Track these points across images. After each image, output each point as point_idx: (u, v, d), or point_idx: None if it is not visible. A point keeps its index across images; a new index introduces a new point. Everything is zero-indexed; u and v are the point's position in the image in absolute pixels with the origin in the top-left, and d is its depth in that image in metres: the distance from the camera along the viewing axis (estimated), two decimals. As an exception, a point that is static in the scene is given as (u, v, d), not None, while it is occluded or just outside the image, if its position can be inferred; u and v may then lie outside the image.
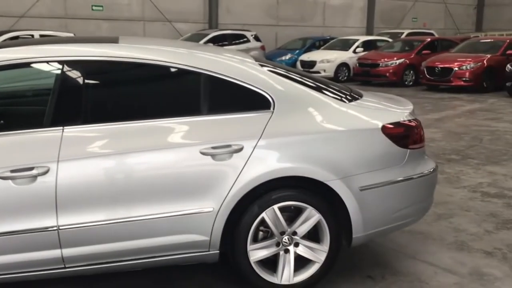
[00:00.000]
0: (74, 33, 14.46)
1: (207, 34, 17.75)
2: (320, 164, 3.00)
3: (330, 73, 16.85)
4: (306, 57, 17.81)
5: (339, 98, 3.26)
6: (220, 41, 17.75)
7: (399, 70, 15.68)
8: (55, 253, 2.74)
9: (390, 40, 18.76)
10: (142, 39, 3.81)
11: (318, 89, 3.25)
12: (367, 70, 16.10)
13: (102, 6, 18.07)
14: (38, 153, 2.68)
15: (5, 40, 12.67)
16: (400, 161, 3.20)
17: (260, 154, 2.93)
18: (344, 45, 18.21)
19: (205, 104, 2.99)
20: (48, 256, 2.74)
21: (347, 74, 17.24)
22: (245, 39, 18.50)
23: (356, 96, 3.44)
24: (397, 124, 3.20)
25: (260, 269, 3.07)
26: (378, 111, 3.30)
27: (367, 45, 18.06)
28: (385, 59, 15.89)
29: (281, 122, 3.00)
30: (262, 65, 3.22)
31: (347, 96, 3.35)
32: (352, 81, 16.41)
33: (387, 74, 15.70)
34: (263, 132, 2.94)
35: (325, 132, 3.07)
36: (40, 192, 2.67)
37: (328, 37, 20.11)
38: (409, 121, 3.26)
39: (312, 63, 17.28)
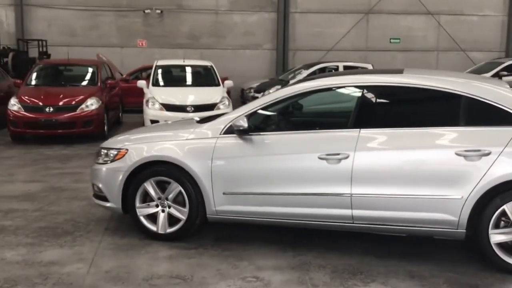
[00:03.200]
0: (372, 64, 16.28)
1: (502, 63, 17.37)
2: (559, 172, 3.66)
3: None
4: None
5: None
6: (516, 69, 17.18)
7: None
8: (347, 212, 4.12)
9: None
10: (422, 70, 4.97)
11: None
12: None
13: (399, 39, 19.63)
14: (343, 144, 4.12)
15: (315, 70, 15.31)
16: None
17: (505, 158, 3.77)
18: None
19: (463, 118, 4.00)
20: (342, 213, 4.14)
21: None
22: (547, 67, 17.38)
23: None
24: None
25: (499, 251, 3.86)
26: None
27: None
28: None
29: (526, 135, 3.78)
30: (515, 90, 4.03)
31: None
32: None
33: None
34: (509, 142, 3.78)
35: None
36: (342, 170, 4.09)
37: None
38: None
39: None
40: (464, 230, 3.92)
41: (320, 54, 19.05)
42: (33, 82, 11.07)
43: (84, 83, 11.40)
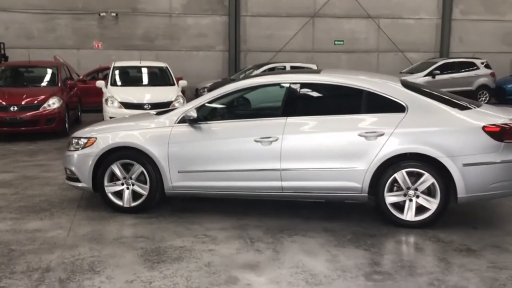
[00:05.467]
0: (317, 64, 17.54)
1: (435, 62, 19.04)
2: (434, 147, 4.84)
3: None
4: (539, 83, 17.62)
5: (456, 106, 5.03)
6: (448, 69, 18.86)
7: None
8: (278, 183, 5.17)
9: None
10: (338, 71, 6.08)
11: (441, 100, 5.08)
12: None
13: (343, 41, 21.05)
14: (273, 129, 5.17)
15: (265, 70, 16.45)
16: (495, 150, 4.79)
17: (395, 138, 4.91)
18: None
19: (365, 107, 5.13)
20: (274, 185, 5.18)
21: None
22: (474, 67, 19.15)
23: (474, 106, 5.13)
24: (493, 125, 4.81)
25: (393, 209, 5.01)
26: (482, 116, 4.95)
27: None
28: None
29: (410, 120, 4.94)
30: (404, 85, 5.20)
31: (463, 106, 5.07)
32: None
33: None
34: (397, 125, 4.93)
35: (440, 127, 4.89)
36: (273, 150, 5.13)
37: None
38: (504, 124, 4.81)
39: (544, 90, 17.07)
40: (367, 194, 5.05)
41: (270, 55, 20.20)
42: (-4, 83, 11.67)
43: (46, 83, 12.09)
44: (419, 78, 18.35)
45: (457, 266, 4.09)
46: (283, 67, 16.67)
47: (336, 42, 21.02)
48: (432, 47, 21.67)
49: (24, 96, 10.91)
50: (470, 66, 19.26)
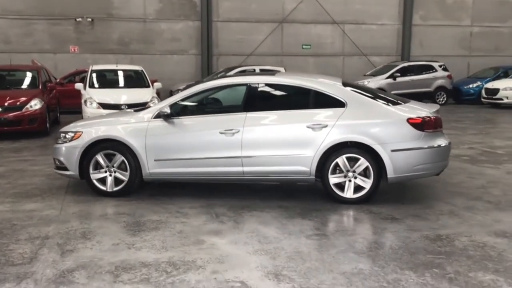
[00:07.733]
0: (285, 67, 18.56)
1: (396, 65, 20.29)
2: (368, 136, 5.84)
3: (512, 100, 17.78)
4: (491, 85, 19.00)
5: (386, 102, 6.05)
6: (408, 71, 20.15)
7: None
8: (240, 169, 6.10)
9: None
10: (289, 73, 7.04)
11: (375, 97, 6.10)
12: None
13: (310, 45, 22.15)
14: (235, 123, 6.09)
15: (236, 72, 17.37)
16: (418, 138, 5.82)
17: (336, 129, 5.89)
18: (535, 73, 18.77)
19: (312, 103, 6.11)
20: (237, 170, 6.11)
21: (532, 101, 17.89)
22: (433, 69, 20.47)
23: (401, 102, 6.16)
24: (416, 118, 5.84)
25: (336, 189, 5.99)
26: (408, 110, 5.98)
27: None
28: None
29: (349, 114, 5.93)
30: (344, 84, 6.21)
31: (394, 102, 6.10)
32: (535, 107, 17.08)
33: None
34: (338, 118, 5.91)
35: (373, 119, 5.90)
36: (235, 140, 6.06)
37: (523, 66, 20.68)
38: (426, 117, 5.85)
39: (495, 91, 18.46)
40: (314, 177, 6.01)
41: (241, 58, 21.15)
42: (-21, 86, 12.32)
43: (27, 86, 12.79)
44: (381, 80, 19.60)
45: (380, 229, 5.09)
46: (253, 70, 17.61)
47: (303, 46, 22.11)
48: (394, 51, 22.96)
49: (7, 98, 11.60)
50: (429, 68, 20.59)
